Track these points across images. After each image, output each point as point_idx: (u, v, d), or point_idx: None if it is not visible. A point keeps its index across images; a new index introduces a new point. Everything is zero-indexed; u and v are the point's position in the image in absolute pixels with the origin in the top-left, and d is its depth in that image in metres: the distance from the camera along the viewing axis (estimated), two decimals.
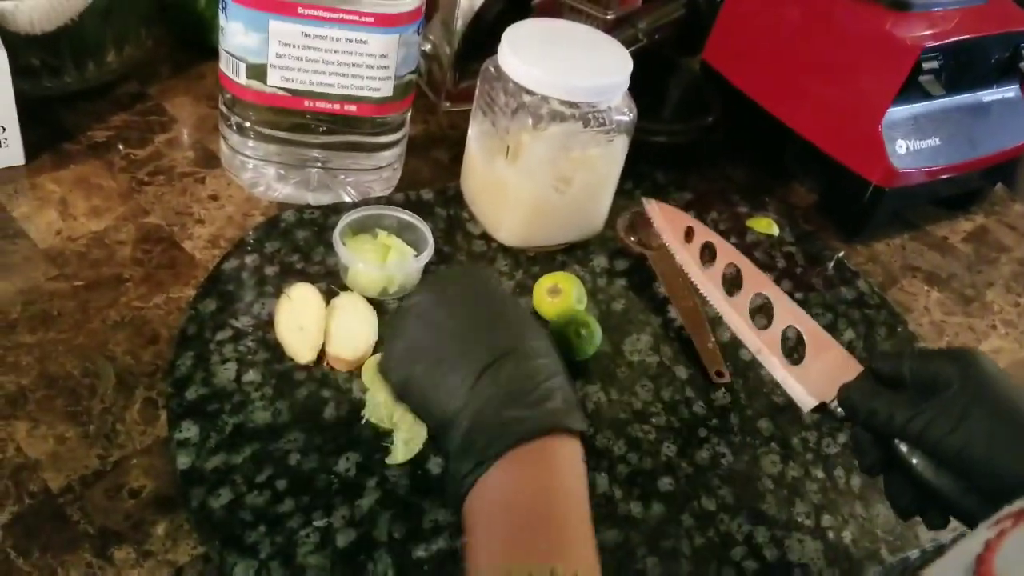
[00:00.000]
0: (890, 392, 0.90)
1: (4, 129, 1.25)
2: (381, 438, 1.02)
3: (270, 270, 1.19)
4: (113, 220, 1.24)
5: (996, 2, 1.49)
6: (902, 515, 0.91)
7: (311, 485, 0.97)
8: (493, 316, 0.89)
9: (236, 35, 1.18)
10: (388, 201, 1.32)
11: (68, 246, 1.19)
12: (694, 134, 1.54)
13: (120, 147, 1.35)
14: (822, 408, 0.96)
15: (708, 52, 1.64)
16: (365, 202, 1.30)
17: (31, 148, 1.29)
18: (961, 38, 1.40)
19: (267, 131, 1.25)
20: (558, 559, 0.73)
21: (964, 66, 1.44)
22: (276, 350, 1.09)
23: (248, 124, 1.25)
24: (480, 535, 0.79)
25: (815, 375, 0.97)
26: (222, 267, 1.18)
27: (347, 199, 1.32)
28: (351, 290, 1.17)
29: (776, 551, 1.02)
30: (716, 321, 1.26)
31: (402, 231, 1.23)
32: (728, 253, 1.10)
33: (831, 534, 1.05)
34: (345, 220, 1.20)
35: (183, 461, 0.96)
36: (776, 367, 1.00)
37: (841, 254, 1.45)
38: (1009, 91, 1.54)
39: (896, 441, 0.88)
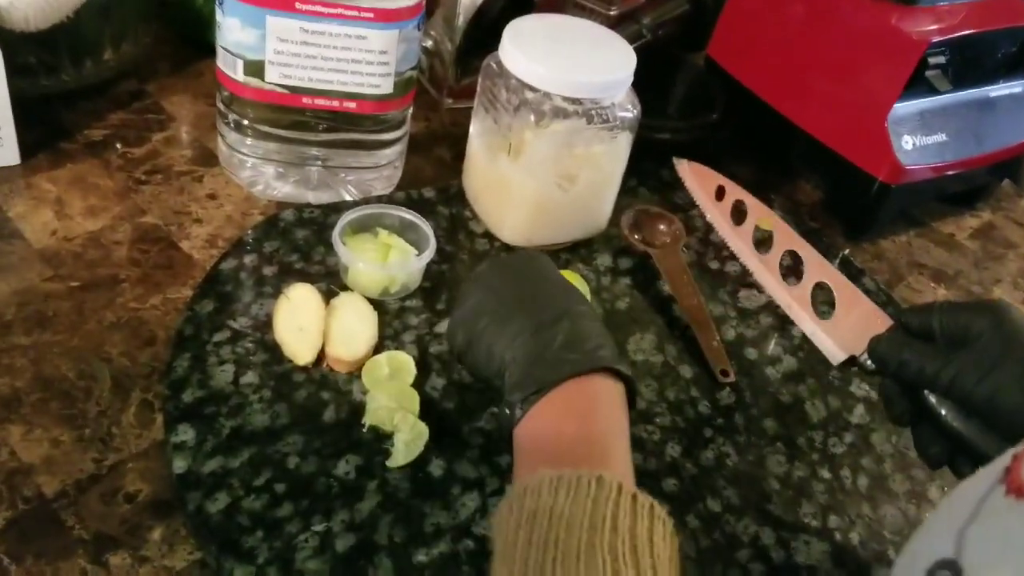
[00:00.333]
0: (920, 343, 0.91)
1: (0, 128, 1.23)
2: (381, 440, 1.01)
3: (269, 270, 1.18)
4: (110, 220, 1.23)
5: None
6: (931, 464, 0.92)
7: (310, 489, 0.96)
8: (549, 285, 0.97)
9: (233, 31, 1.16)
10: (389, 200, 1.30)
11: (64, 246, 1.18)
12: (698, 131, 1.52)
13: (117, 146, 1.34)
14: (851, 362, 0.98)
15: (713, 48, 1.63)
16: (366, 201, 1.29)
17: (27, 147, 1.28)
18: (968, 32, 1.38)
19: (266, 129, 1.24)
20: (603, 469, 0.77)
21: (971, 61, 1.42)
22: (275, 351, 1.08)
23: (246, 122, 1.24)
24: (531, 454, 0.84)
25: (845, 329, 1.00)
26: (220, 267, 1.17)
27: (347, 198, 1.31)
28: (351, 290, 1.16)
29: (782, 553, 1.01)
30: (721, 320, 1.25)
31: (403, 230, 1.22)
32: (759, 211, 1.11)
33: (838, 535, 1.04)
34: (345, 219, 1.19)
35: (179, 465, 0.95)
36: (806, 322, 1.04)
37: (847, 251, 1.44)
38: (1016, 86, 1.53)
39: (925, 392, 0.90)
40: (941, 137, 1.45)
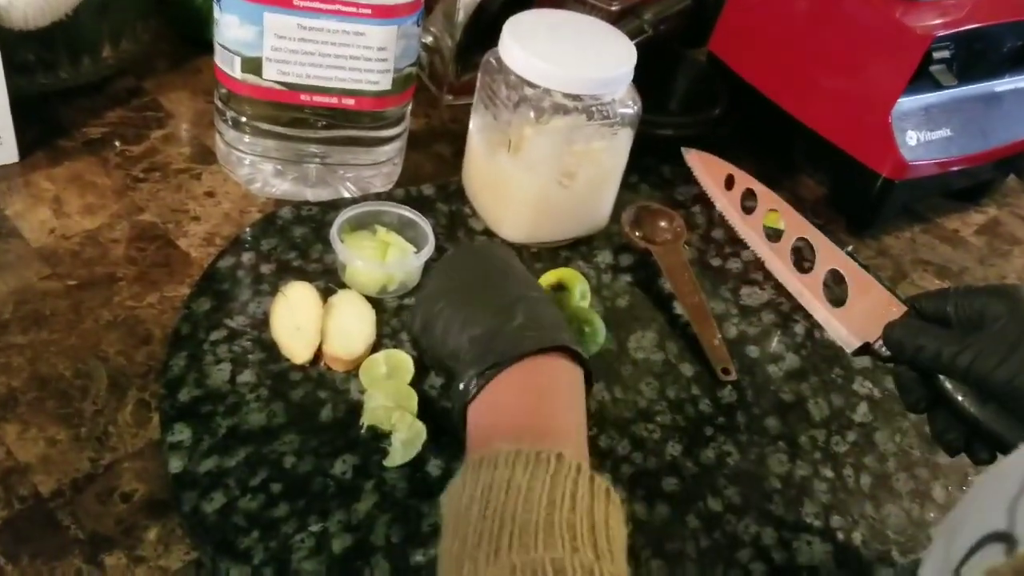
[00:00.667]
0: (936, 329, 0.91)
1: None
2: (379, 440, 1.01)
3: (266, 268, 1.17)
4: (107, 218, 1.22)
5: None
6: (948, 451, 0.92)
7: (307, 489, 0.95)
8: (511, 272, 0.99)
9: (231, 28, 1.16)
10: (388, 197, 1.30)
11: (61, 245, 1.18)
12: (701, 127, 1.52)
13: (115, 143, 1.33)
14: (866, 348, 0.99)
15: (714, 43, 1.62)
16: (364, 198, 1.28)
17: (25, 145, 1.27)
18: (972, 27, 1.37)
19: (264, 126, 1.24)
20: (562, 447, 0.77)
21: (976, 55, 1.42)
22: (272, 350, 1.07)
23: (244, 119, 1.23)
24: (486, 429, 0.85)
25: (858, 316, 1.00)
26: (217, 265, 1.16)
27: (346, 195, 1.30)
28: (349, 288, 1.15)
29: (784, 553, 1.00)
30: (722, 317, 1.25)
31: (402, 228, 1.22)
32: (769, 199, 1.11)
33: (841, 535, 1.03)
34: (343, 216, 1.18)
35: (176, 464, 0.94)
36: (819, 310, 1.05)
37: (850, 248, 1.43)
38: (1022, 80, 1.52)
39: (941, 378, 0.90)
40: (945, 132, 1.44)
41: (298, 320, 1.09)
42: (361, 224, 1.21)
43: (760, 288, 1.31)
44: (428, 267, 1.19)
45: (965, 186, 1.60)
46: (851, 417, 1.16)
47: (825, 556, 1.01)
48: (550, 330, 0.89)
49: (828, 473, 1.09)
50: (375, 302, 1.15)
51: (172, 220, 1.24)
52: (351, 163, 1.29)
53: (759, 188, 1.14)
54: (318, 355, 1.08)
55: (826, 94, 1.46)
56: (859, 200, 1.47)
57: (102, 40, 1.36)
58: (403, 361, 1.09)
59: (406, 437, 1.00)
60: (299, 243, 1.21)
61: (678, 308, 1.24)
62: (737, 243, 1.37)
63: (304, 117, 1.23)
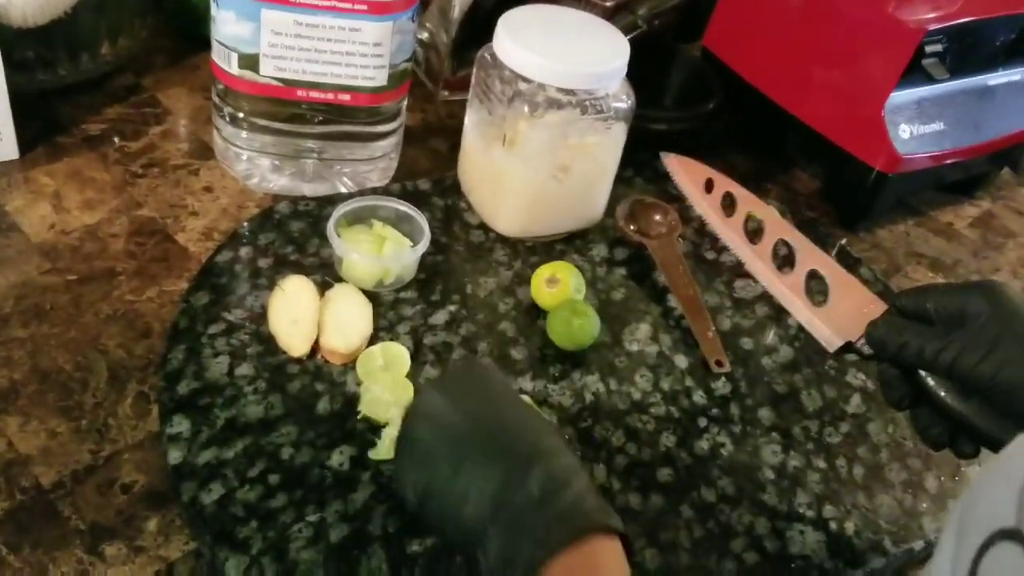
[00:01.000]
0: (918, 326, 0.92)
1: None
2: (375, 432, 1.01)
3: (264, 262, 1.18)
4: (106, 213, 1.23)
5: None
6: (933, 446, 0.93)
7: (304, 479, 0.96)
8: (507, 417, 0.84)
9: (228, 24, 1.17)
10: (385, 191, 1.31)
11: (61, 240, 1.18)
12: (695, 121, 1.52)
13: (114, 139, 1.34)
14: (848, 347, 0.98)
15: (708, 38, 1.63)
16: (361, 193, 1.29)
17: (25, 141, 1.28)
18: (965, 20, 1.38)
19: (261, 122, 1.24)
20: None
21: (968, 49, 1.42)
22: (269, 343, 1.08)
23: (241, 115, 1.24)
24: None
25: (840, 316, 0.99)
26: (215, 259, 1.17)
27: (343, 190, 1.31)
28: (346, 282, 1.16)
29: (777, 543, 1.01)
30: (716, 310, 1.25)
31: (398, 222, 1.22)
32: (749, 202, 1.12)
33: (833, 525, 1.04)
34: (340, 211, 1.19)
35: (175, 456, 0.95)
36: (801, 310, 1.03)
37: (844, 241, 1.44)
38: (1015, 74, 1.53)
39: (923, 374, 0.90)
40: (939, 126, 1.44)
41: (295, 313, 1.10)
42: (358, 218, 1.21)
43: (754, 281, 1.31)
44: (423, 262, 1.20)
45: (959, 179, 1.60)
46: (844, 408, 1.17)
47: (818, 545, 1.01)
48: (575, 505, 0.76)
49: (821, 464, 1.10)
50: (372, 296, 1.15)
51: (170, 215, 1.25)
52: (348, 158, 1.30)
53: (738, 191, 1.13)
54: (315, 348, 1.08)
55: (819, 88, 1.47)
56: (853, 193, 1.48)
57: (101, 37, 1.36)
58: (399, 354, 1.10)
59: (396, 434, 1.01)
60: (296, 237, 1.22)
61: (672, 301, 1.25)
62: None
63: (301, 113, 1.24)
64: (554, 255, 1.28)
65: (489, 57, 1.23)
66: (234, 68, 1.19)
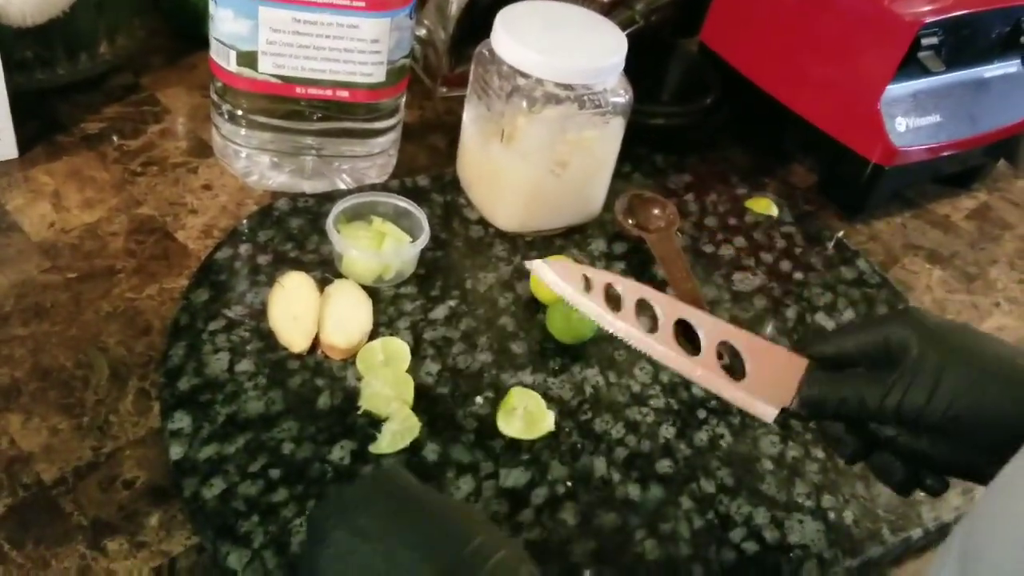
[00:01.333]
0: (850, 376, 0.87)
1: None
2: (376, 426, 1.02)
3: (263, 259, 1.18)
4: (106, 211, 1.23)
5: None
6: (900, 491, 0.88)
7: (305, 474, 0.96)
8: (422, 532, 0.73)
9: (226, 22, 1.17)
10: (384, 188, 1.31)
11: (61, 238, 1.19)
12: (692, 116, 1.53)
13: (113, 138, 1.34)
14: (785, 413, 0.90)
15: (706, 33, 1.63)
16: (360, 189, 1.30)
17: (24, 141, 1.29)
18: (961, 13, 1.38)
19: (260, 119, 1.25)
20: None
21: (964, 41, 1.43)
22: (269, 339, 1.09)
23: (240, 112, 1.24)
24: None
25: (764, 384, 0.92)
26: (215, 257, 1.18)
27: (342, 186, 1.31)
28: (346, 278, 1.17)
29: (776, 532, 1.01)
30: (716, 303, 1.26)
31: (398, 218, 1.23)
32: (633, 289, 1.01)
33: (832, 515, 1.04)
34: (339, 207, 1.19)
35: (176, 451, 0.96)
36: (723, 388, 0.94)
37: (841, 234, 1.44)
38: (1011, 66, 1.53)
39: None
40: (935, 118, 1.45)
41: (295, 309, 1.10)
42: (357, 215, 1.22)
43: (752, 274, 1.32)
44: (423, 258, 1.21)
45: (955, 171, 1.61)
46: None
47: (817, 535, 1.02)
48: None
49: (819, 454, 1.10)
50: (371, 291, 1.16)
51: (170, 213, 1.25)
52: (346, 155, 1.30)
53: (618, 280, 1.05)
54: (315, 344, 1.09)
55: (816, 82, 1.47)
56: (850, 186, 1.48)
57: (99, 37, 1.37)
58: (399, 349, 1.10)
59: (398, 429, 1.01)
60: (296, 234, 1.22)
61: (671, 294, 1.25)
62: (729, 230, 1.39)
63: (299, 110, 1.25)
64: (553, 250, 1.29)
65: (487, 53, 1.23)
66: (232, 65, 1.20)
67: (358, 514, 0.74)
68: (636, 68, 1.25)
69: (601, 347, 1.17)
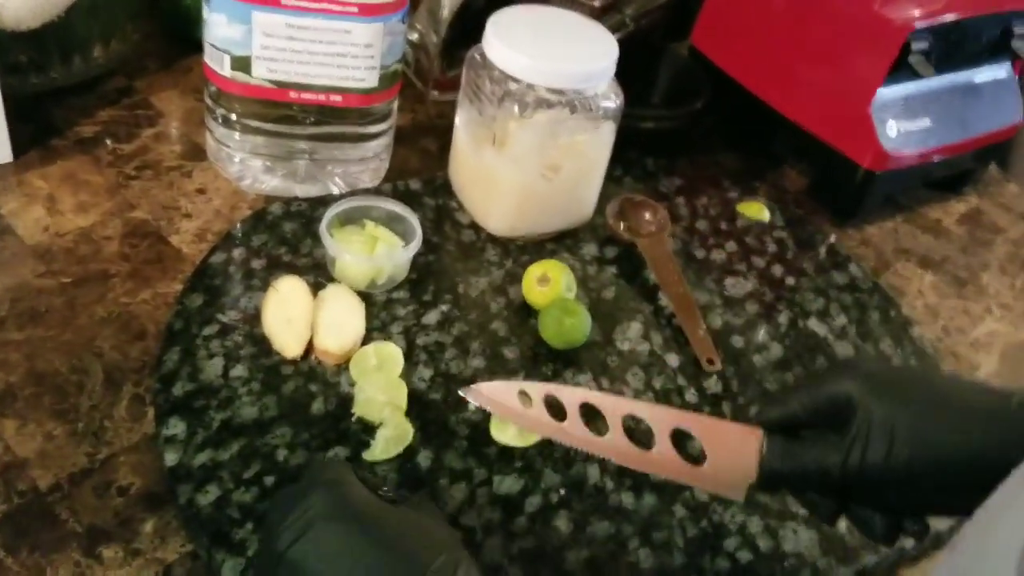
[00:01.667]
0: (805, 444, 0.85)
1: None
2: (370, 432, 1.02)
3: (257, 263, 1.18)
4: (100, 215, 1.23)
5: None
6: (884, 542, 0.85)
7: (299, 481, 0.96)
8: (377, 554, 0.73)
9: (219, 27, 1.17)
10: (376, 192, 1.31)
11: (55, 242, 1.19)
12: (683, 120, 1.53)
13: (107, 142, 1.34)
14: (754, 488, 0.88)
15: (696, 37, 1.64)
16: (353, 193, 1.30)
17: (19, 144, 1.28)
18: (951, 17, 1.39)
19: (253, 123, 1.25)
20: None
21: (954, 46, 1.43)
22: (263, 344, 1.09)
23: (234, 116, 1.24)
24: None
25: (725, 463, 0.89)
26: (209, 261, 1.18)
27: (335, 190, 1.31)
28: (339, 282, 1.17)
29: (770, 541, 1.02)
30: (707, 308, 1.26)
31: (390, 222, 1.23)
32: (574, 395, 0.98)
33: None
34: (332, 211, 1.19)
35: (170, 458, 0.96)
36: (688, 477, 0.92)
37: (833, 238, 1.45)
38: (1001, 70, 1.54)
39: None
40: (925, 123, 1.45)
41: (289, 314, 1.10)
42: (350, 219, 1.22)
43: (744, 279, 1.32)
44: (415, 262, 1.21)
45: (946, 176, 1.61)
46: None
47: (810, 543, 1.02)
48: None
49: None
50: (364, 296, 1.16)
51: (164, 217, 1.25)
52: (339, 159, 1.30)
53: (555, 389, 1.02)
54: (309, 349, 1.09)
55: (807, 86, 1.48)
56: (841, 191, 1.49)
57: (93, 41, 1.37)
58: (393, 354, 1.10)
59: (391, 434, 1.02)
60: (289, 238, 1.23)
61: (663, 299, 1.26)
62: (721, 235, 1.39)
63: (293, 114, 1.25)
64: (545, 254, 1.29)
65: (479, 57, 1.24)
66: (226, 70, 1.20)
67: (319, 535, 0.73)
68: (626, 71, 1.25)
69: (594, 353, 1.17)
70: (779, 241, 1.41)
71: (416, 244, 1.18)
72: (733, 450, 0.88)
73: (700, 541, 1.00)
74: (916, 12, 1.37)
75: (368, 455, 1.00)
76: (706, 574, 0.98)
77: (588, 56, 1.22)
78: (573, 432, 0.95)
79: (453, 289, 1.21)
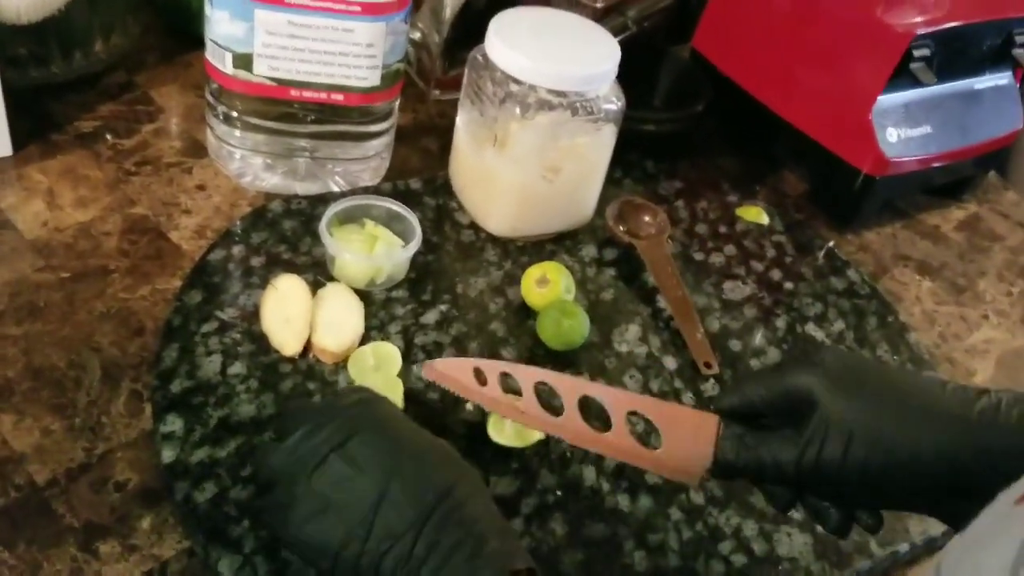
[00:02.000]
0: (762, 436, 0.84)
1: None
2: None
3: (256, 261, 1.19)
4: (100, 211, 1.23)
5: None
6: (838, 534, 0.85)
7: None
8: (408, 473, 0.80)
9: (222, 24, 1.17)
10: (376, 191, 1.31)
11: (55, 237, 1.19)
12: (684, 123, 1.53)
13: (107, 137, 1.34)
14: (710, 475, 0.87)
15: (698, 40, 1.64)
16: (353, 192, 1.30)
17: (18, 138, 1.28)
18: (953, 24, 1.39)
19: (254, 121, 1.25)
20: None
21: (956, 53, 1.43)
22: (262, 342, 1.09)
23: (235, 114, 1.24)
24: None
25: (681, 448, 0.88)
26: (208, 258, 1.18)
27: (335, 189, 1.32)
28: (338, 281, 1.17)
29: (765, 545, 1.02)
30: (705, 312, 1.26)
31: (390, 221, 1.23)
32: (529, 374, 0.97)
33: (820, 528, 1.04)
34: (332, 210, 1.19)
35: (168, 454, 0.96)
36: (644, 459, 0.91)
37: (831, 243, 1.45)
38: (1002, 78, 1.54)
39: None
40: (926, 129, 1.45)
41: (288, 312, 1.10)
42: (350, 218, 1.22)
43: (742, 283, 1.32)
44: (415, 262, 1.21)
45: (946, 182, 1.61)
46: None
47: (805, 547, 1.02)
48: (512, 552, 0.79)
49: None
50: (363, 295, 1.16)
51: (163, 213, 1.25)
52: (340, 157, 1.30)
53: (516, 368, 1.01)
54: (307, 347, 1.09)
55: (808, 91, 1.48)
56: (840, 196, 1.49)
57: (94, 35, 1.37)
58: (391, 353, 1.10)
59: None
60: (289, 236, 1.23)
61: (661, 302, 1.26)
62: (720, 238, 1.39)
63: (294, 112, 1.25)
64: (544, 255, 1.29)
65: (481, 58, 1.24)
66: (228, 67, 1.20)
67: (353, 444, 0.81)
68: (628, 74, 1.25)
69: (591, 354, 1.17)
70: (778, 245, 1.41)
71: (416, 244, 1.18)
72: (689, 434, 0.88)
73: (695, 544, 1.00)
74: (918, 19, 1.37)
75: None
76: None
77: (590, 58, 1.22)
78: (528, 411, 0.95)
79: (452, 289, 1.22)
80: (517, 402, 0.95)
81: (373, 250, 1.19)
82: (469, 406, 1.07)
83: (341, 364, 1.09)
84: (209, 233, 1.23)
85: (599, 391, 0.94)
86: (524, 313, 1.21)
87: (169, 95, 1.44)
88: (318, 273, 1.18)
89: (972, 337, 1.38)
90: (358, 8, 1.16)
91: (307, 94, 1.23)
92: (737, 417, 0.86)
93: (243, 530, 0.91)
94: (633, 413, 0.92)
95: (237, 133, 1.26)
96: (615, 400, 0.92)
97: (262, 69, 1.20)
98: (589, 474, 1.04)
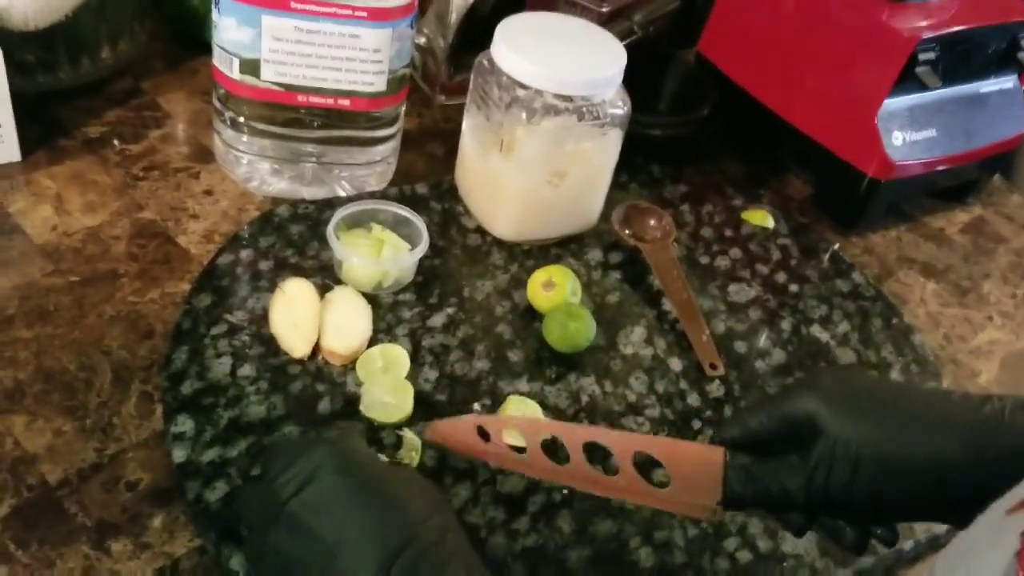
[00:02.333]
0: (765, 464, 0.85)
1: (0, 125, 1.25)
2: (375, 431, 1.03)
3: (264, 265, 1.19)
4: (108, 215, 1.24)
5: None
6: (855, 551, 0.85)
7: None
8: (374, 507, 0.76)
9: (229, 30, 1.18)
10: (383, 195, 1.32)
11: (64, 241, 1.19)
12: (689, 127, 1.54)
13: (115, 142, 1.35)
14: (721, 507, 0.87)
15: (703, 44, 1.65)
16: (359, 196, 1.30)
17: (26, 144, 1.29)
18: (958, 29, 1.40)
19: (261, 126, 1.26)
20: None
21: (961, 57, 1.44)
22: (271, 344, 1.09)
23: (242, 119, 1.25)
24: None
25: (691, 484, 0.88)
26: (216, 262, 1.18)
27: (342, 193, 1.32)
28: (346, 284, 1.18)
29: (770, 542, 1.02)
30: (711, 314, 1.27)
31: (397, 225, 1.23)
32: (533, 428, 0.97)
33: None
34: (339, 215, 1.20)
35: (179, 454, 0.96)
36: (656, 500, 0.91)
37: (836, 246, 1.45)
38: (1007, 82, 1.54)
39: None
40: (931, 133, 1.46)
41: (296, 315, 1.11)
42: (357, 222, 1.23)
43: (748, 285, 1.33)
44: (421, 265, 1.22)
45: (950, 185, 1.62)
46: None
47: (809, 545, 1.03)
48: None
49: None
50: (371, 298, 1.17)
51: (172, 218, 1.26)
52: (346, 162, 1.31)
53: (513, 421, 1.02)
54: (316, 349, 1.10)
55: (813, 95, 1.48)
56: (845, 199, 1.49)
57: (101, 41, 1.37)
58: (398, 355, 1.11)
59: (403, 454, 1.03)
60: (296, 241, 1.23)
61: (667, 304, 1.26)
62: (725, 241, 1.40)
63: (300, 117, 1.25)
64: (550, 259, 1.30)
65: (487, 63, 1.24)
66: (235, 73, 1.21)
67: (322, 486, 0.77)
68: (633, 78, 1.26)
69: (597, 357, 1.18)
70: (783, 248, 1.41)
71: (422, 248, 1.19)
72: (697, 469, 0.87)
73: (700, 541, 1.01)
74: (924, 23, 1.38)
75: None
76: (706, 574, 0.99)
77: (596, 63, 1.22)
78: (535, 463, 0.94)
79: (459, 292, 1.22)
80: (522, 456, 0.94)
81: (380, 254, 1.20)
82: (476, 406, 1.08)
83: (350, 366, 1.09)
84: (217, 237, 1.24)
85: (603, 436, 0.94)
86: (530, 316, 1.21)
87: (176, 101, 1.45)
88: (325, 277, 1.19)
89: (976, 339, 1.39)
90: (364, 14, 1.17)
91: (314, 99, 1.23)
92: (743, 446, 0.86)
93: None
94: (638, 454, 0.91)
95: (244, 138, 1.27)
96: (620, 443, 0.92)
97: (269, 75, 1.21)
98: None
